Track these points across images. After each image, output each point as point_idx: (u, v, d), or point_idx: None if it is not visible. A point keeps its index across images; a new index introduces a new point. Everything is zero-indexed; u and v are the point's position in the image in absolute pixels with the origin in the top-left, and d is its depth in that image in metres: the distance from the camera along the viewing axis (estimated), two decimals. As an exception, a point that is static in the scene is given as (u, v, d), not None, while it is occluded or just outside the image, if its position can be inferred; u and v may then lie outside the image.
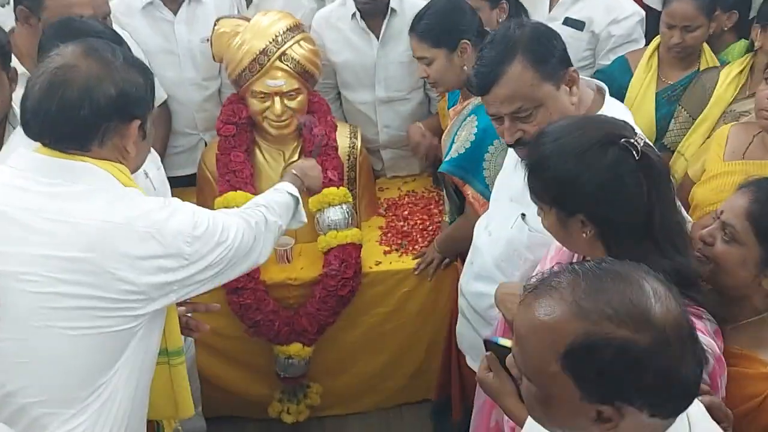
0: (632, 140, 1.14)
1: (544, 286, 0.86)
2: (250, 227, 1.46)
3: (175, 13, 2.46)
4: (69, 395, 1.26)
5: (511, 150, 1.65)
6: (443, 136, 2.11)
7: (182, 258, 1.29)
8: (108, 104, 1.21)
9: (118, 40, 1.62)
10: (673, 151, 2.16)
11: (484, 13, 2.22)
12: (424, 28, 1.98)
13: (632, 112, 2.09)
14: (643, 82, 2.20)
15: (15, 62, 1.94)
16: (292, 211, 1.69)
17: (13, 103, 1.81)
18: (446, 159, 1.95)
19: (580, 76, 1.51)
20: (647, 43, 2.39)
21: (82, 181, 1.23)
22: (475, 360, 1.84)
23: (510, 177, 1.63)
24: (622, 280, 0.83)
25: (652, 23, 2.47)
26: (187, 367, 1.56)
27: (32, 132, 1.25)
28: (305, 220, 1.77)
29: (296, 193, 1.72)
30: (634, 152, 1.13)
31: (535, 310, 0.84)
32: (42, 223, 1.21)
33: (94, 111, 1.20)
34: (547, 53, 1.43)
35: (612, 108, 1.50)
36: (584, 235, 1.19)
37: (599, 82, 1.58)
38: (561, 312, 0.82)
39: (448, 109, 2.20)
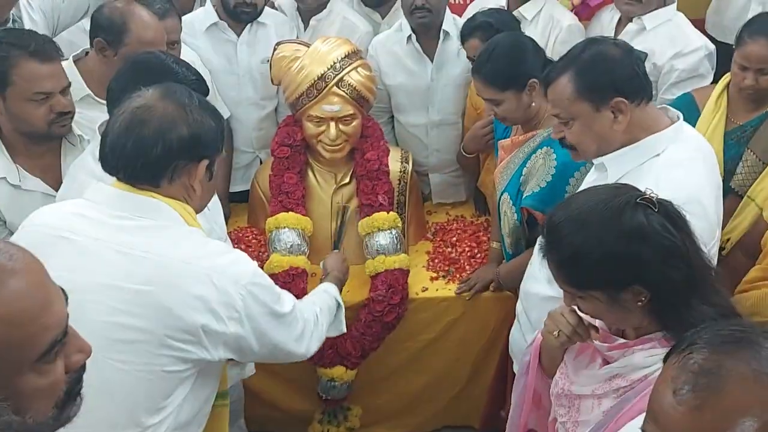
0: (645, 195, 1.17)
1: (706, 377, 0.81)
2: (303, 316, 1.49)
3: (238, 35, 2.52)
4: None
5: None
6: (502, 168, 2.08)
7: (233, 309, 1.29)
8: (180, 144, 1.28)
9: (199, 80, 1.69)
10: (740, 195, 2.08)
11: None
12: (490, 72, 1.93)
13: None
14: (711, 122, 2.11)
15: (81, 83, 2.03)
16: (333, 316, 1.70)
17: (73, 125, 1.89)
18: (528, 194, 1.92)
19: (662, 105, 1.60)
20: (717, 79, 2.31)
21: (150, 216, 1.29)
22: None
23: None
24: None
25: (723, 56, 2.39)
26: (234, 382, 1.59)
27: (108, 166, 1.32)
28: (344, 329, 1.76)
29: (340, 299, 1.74)
30: (652, 206, 1.16)
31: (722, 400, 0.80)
32: (109, 254, 1.26)
33: (166, 149, 1.27)
34: (597, 77, 1.51)
35: (685, 134, 1.56)
36: (639, 303, 1.17)
37: (672, 110, 1.61)
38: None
39: (497, 138, 2.19)
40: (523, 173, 1.95)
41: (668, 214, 1.16)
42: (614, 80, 1.51)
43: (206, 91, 1.68)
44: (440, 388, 2.43)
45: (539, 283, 1.72)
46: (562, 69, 1.54)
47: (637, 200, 1.16)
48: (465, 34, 2.30)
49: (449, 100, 2.53)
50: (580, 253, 1.17)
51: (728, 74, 2.12)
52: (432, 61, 2.49)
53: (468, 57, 2.30)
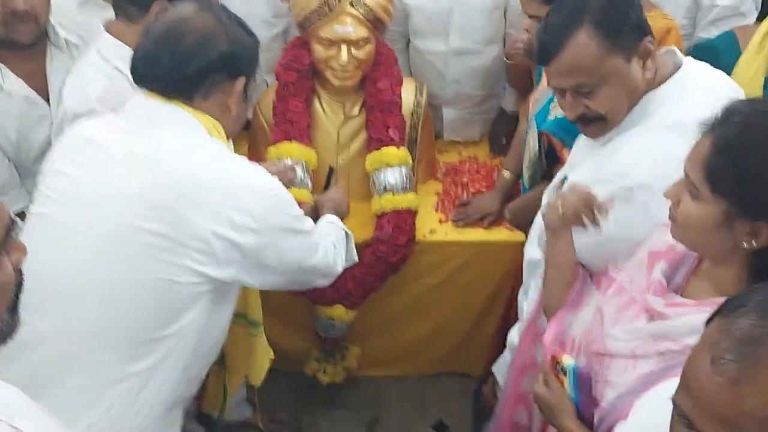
0: None
1: (751, 345, 0.70)
2: (323, 239, 1.50)
3: None
4: (119, 345, 1.25)
5: None
6: (537, 92, 1.92)
7: (251, 218, 1.26)
8: (219, 58, 1.26)
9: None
10: None
11: None
12: None
13: None
14: (752, 65, 1.95)
15: None
16: (345, 245, 1.65)
17: (60, 28, 1.77)
18: (550, 119, 1.76)
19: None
20: (760, 19, 2.13)
21: (176, 128, 1.27)
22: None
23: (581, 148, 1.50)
24: None
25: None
26: None
27: (139, 78, 1.30)
28: (356, 258, 1.71)
29: (347, 228, 1.68)
30: None
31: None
32: (132, 160, 1.27)
33: (205, 63, 1.26)
34: (620, 20, 1.27)
35: (689, 78, 1.32)
36: (744, 245, 1.01)
37: (678, 54, 1.38)
38: None
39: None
40: (554, 99, 1.78)
41: None
42: (638, 20, 1.28)
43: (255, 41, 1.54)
44: (442, 334, 2.36)
45: (531, 246, 1.60)
46: (567, 28, 1.26)
47: None
48: None
49: (473, 26, 2.31)
50: (751, 150, 0.99)
51: None
52: None
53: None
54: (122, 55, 1.54)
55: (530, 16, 1.86)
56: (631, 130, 1.32)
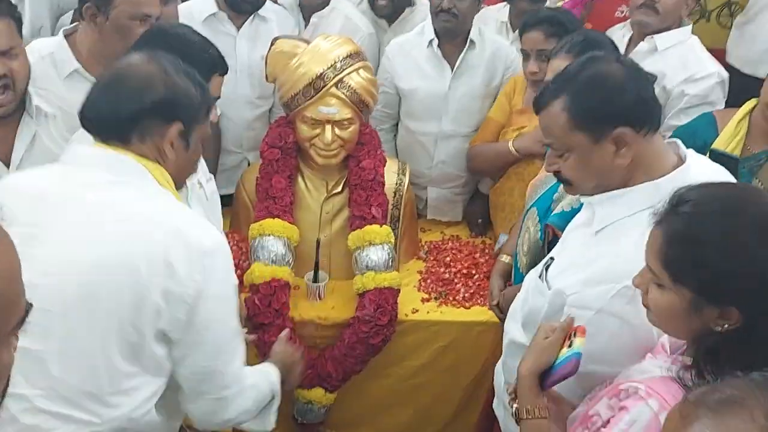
0: None
1: (720, 400, 0.72)
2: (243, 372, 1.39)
3: (238, 28, 2.39)
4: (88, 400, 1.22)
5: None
6: (537, 180, 1.95)
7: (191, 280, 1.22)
8: (152, 102, 1.27)
9: (219, 55, 1.72)
10: None
11: None
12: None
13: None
14: (728, 147, 2.01)
15: (71, 57, 1.90)
16: (261, 407, 1.47)
17: (35, 95, 1.79)
18: (556, 211, 1.77)
19: (666, 139, 1.37)
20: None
21: (121, 173, 1.27)
22: (497, 405, 1.67)
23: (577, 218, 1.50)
24: None
25: (745, 88, 2.29)
26: None
27: (86, 122, 1.33)
28: (269, 427, 1.53)
29: (278, 391, 1.52)
30: None
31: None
32: (76, 212, 1.25)
33: (138, 106, 1.27)
34: (593, 104, 1.28)
35: (693, 174, 1.30)
36: (718, 329, 1.02)
37: (682, 147, 1.39)
38: None
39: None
40: (558, 190, 1.79)
41: None
42: (616, 108, 1.28)
43: (225, 68, 1.71)
44: (423, 423, 2.25)
45: (515, 323, 1.55)
46: (555, 92, 1.32)
47: None
48: (528, 24, 2.17)
49: (465, 110, 2.42)
50: (705, 240, 1.01)
51: (754, 99, 2.01)
52: (452, 68, 2.38)
53: (522, 49, 2.20)
54: None
55: (533, 52, 2.00)
56: (626, 221, 1.30)
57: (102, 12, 1.85)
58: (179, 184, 1.38)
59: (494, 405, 1.71)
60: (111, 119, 1.28)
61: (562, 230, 1.67)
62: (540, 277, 1.45)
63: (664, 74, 2.31)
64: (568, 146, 1.32)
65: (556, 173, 1.39)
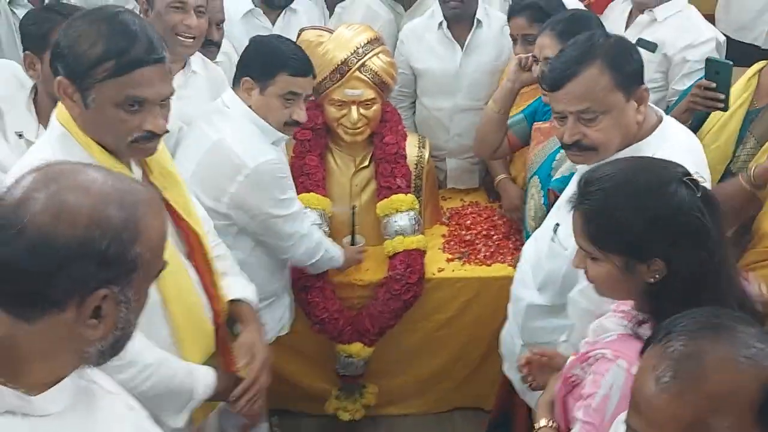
0: (691, 176, 1.16)
1: (687, 362, 0.83)
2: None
3: (273, 23, 2.59)
4: None
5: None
6: (536, 150, 2.13)
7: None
8: (54, 49, 1.28)
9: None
10: None
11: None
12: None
13: (716, 129, 2.06)
14: (737, 101, 2.07)
15: None
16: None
17: None
18: (557, 177, 1.94)
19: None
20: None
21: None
22: (509, 368, 1.85)
23: (568, 188, 1.66)
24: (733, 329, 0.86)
25: (734, 54, 2.39)
26: None
27: None
28: (179, 424, 1.45)
29: (203, 394, 1.45)
30: (695, 188, 1.15)
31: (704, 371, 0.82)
32: None
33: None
34: (626, 64, 1.45)
35: (666, 137, 1.49)
36: (652, 280, 1.17)
37: (661, 111, 1.58)
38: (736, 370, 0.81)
39: (529, 123, 2.23)
40: (557, 158, 1.97)
41: (707, 200, 1.16)
42: (640, 67, 1.47)
43: (308, 70, 1.90)
44: (453, 369, 2.48)
45: (528, 289, 1.71)
46: (581, 61, 1.44)
47: (683, 178, 1.15)
48: (514, 11, 2.30)
49: (476, 86, 2.60)
50: (616, 209, 1.15)
51: (765, 61, 2.09)
52: (462, 47, 2.56)
53: (510, 34, 2.33)
54: None
55: (519, 37, 2.12)
56: None
57: (149, 4, 2.05)
58: (118, 149, 1.32)
59: (505, 369, 1.88)
60: None
61: (562, 192, 1.84)
62: (553, 241, 1.60)
63: (665, 42, 2.44)
64: (607, 106, 1.42)
65: (577, 143, 1.46)
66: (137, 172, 1.38)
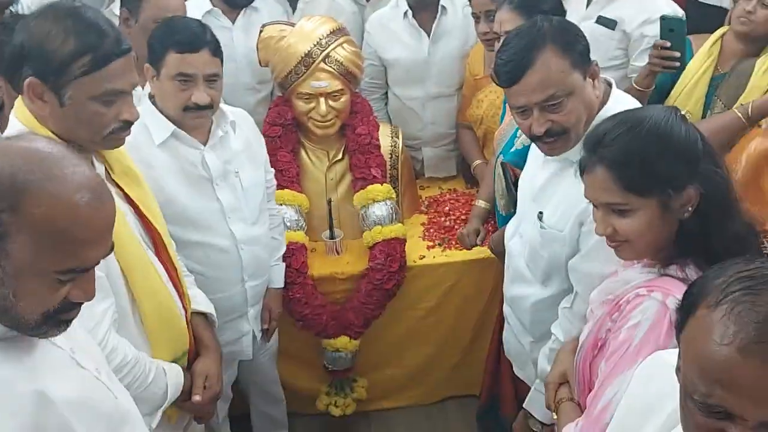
0: (682, 114, 1.22)
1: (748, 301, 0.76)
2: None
3: (233, 21, 2.58)
4: None
5: (532, 151, 1.67)
6: (502, 128, 2.13)
7: None
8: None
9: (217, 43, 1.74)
10: None
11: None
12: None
13: (684, 96, 2.09)
14: (701, 67, 2.12)
15: None
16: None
17: None
18: (511, 150, 1.94)
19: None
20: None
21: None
22: (521, 368, 1.84)
23: (532, 178, 1.64)
24: None
25: (710, 18, 2.38)
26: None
27: None
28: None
29: (170, 394, 1.42)
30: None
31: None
32: None
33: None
34: (576, 43, 1.45)
35: (619, 100, 1.51)
36: (690, 208, 1.18)
37: (608, 77, 1.58)
38: None
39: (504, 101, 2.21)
40: (518, 134, 1.96)
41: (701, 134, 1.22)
42: (585, 45, 1.47)
43: (198, 45, 1.68)
44: (442, 357, 2.47)
45: (531, 286, 1.67)
46: (533, 47, 1.40)
47: (680, 114, 1.21)
48: None
49: (446, 73, 2.59)
50: (643, 149, 1.16)
51: (725, 27, 2.13)
52: (429, 35, 2.55)
53: (473, 12, 2.31)
54: None
55: (482, 14, 2.13)
56: None
57: (132, 15, 2.02)
58: (92, 143, 1.31)
59: (516, 371, 1.85)
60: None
61: (519, 167, 1.84)
62: (542, 228, 1.57)
63: (623, 19, 2.41)
64: (570, 88, 1.41)
65: (548, 131, 1.44)
66: (100, 170, 1.36)
